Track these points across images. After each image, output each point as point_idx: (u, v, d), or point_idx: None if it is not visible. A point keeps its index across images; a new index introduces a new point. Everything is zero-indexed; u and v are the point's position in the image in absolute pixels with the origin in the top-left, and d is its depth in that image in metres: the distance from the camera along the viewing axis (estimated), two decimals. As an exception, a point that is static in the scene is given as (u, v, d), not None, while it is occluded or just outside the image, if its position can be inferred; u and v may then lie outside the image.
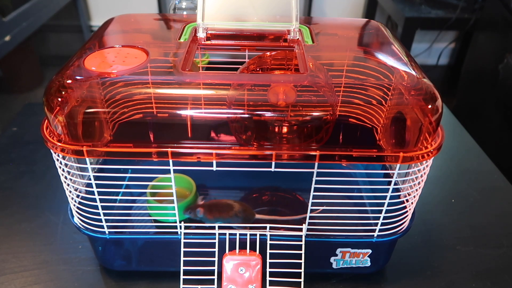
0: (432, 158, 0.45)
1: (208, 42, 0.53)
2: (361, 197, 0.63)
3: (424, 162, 0.45)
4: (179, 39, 0.52)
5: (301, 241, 0.49)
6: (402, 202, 0.49)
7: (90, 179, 0.45)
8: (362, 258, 0.53)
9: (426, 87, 0.44)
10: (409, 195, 0.50)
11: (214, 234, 0.49)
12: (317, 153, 0.43)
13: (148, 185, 0.60)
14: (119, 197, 0.57)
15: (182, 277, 0.49)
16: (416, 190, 0.49)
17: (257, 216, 0.55)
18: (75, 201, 0.49)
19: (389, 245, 0.54)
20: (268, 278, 0.49)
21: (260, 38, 0.54)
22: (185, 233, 0.49)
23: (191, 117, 0.43)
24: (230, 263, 0.48)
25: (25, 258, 0.57)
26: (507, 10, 1.38)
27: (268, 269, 0.49)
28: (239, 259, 0.48)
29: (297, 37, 0.52)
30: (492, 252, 0.61)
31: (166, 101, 0.43)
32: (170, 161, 0.44)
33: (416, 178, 0.48)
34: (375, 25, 0.58)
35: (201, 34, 0.52)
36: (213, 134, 0.45)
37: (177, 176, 0.60)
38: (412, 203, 0.50)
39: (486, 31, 1.55)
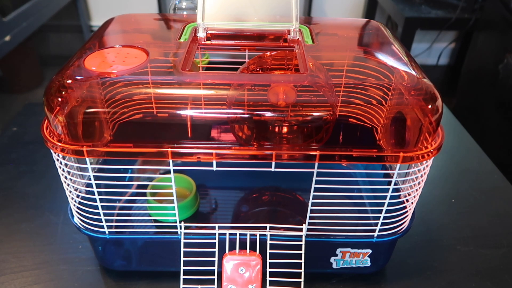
0: (432, 158, 0.45)
1: (208, 42, 0.53)
2: (361, 197, 0.63)
3: (424, 162, 0.45)
4: (179, 39, 0.52)
5: (301, 241, 0.49)
6: (402, 202, 0.49)
7: (90, 179, 0.45)
8: (362, 258, 0.53)
9: (426, 87, 0.44)
10: (409, 195, 0.50)
11: (214, 234, 0.49)
12: (317, 153, 0.43)
13: (148, 185, 0.60)
14: (119, 197, 0.57)
15: (182, 277, 0.49)
16: (416, 190, 0.49)
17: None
18: (75, 201, 0.49)
19: (389, 245, 0.54)
20: (268, 278, 0.49)
21: (260, 38, 0.54)
22: (185, 233, 0.49)
23: (191, 117, 0.43)
24: (230, 263, 0.48)
25: (25, 258, 0.57)
26: (507, 10, 1.38)
27: (268, 269, 0.49)
28: (239, 259, 0.48)
29: (297, 37, 0.52)
30: (492, 252, 0.61)
31: (166, 101, 0.43)
32: (170, 161, 0.44)
33: (416, 178, 0.48)
34: (375, 25, 0.58)
35: (201, 34, 0.52)
36: (213, 134, 0.45)
37: (177, 176, 0.60)
38: (412, 203, 0.50)
39: (486, 31, 1.56)
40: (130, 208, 0.60)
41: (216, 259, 0.49)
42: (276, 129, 0.44)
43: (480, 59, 1.58)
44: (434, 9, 1.77)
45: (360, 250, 0.52)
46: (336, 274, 0.56)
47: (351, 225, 0.50)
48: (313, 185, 0.46)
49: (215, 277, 0.49)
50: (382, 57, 0.50)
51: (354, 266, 0.54)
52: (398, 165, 0.44)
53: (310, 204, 0.47)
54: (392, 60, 0.48)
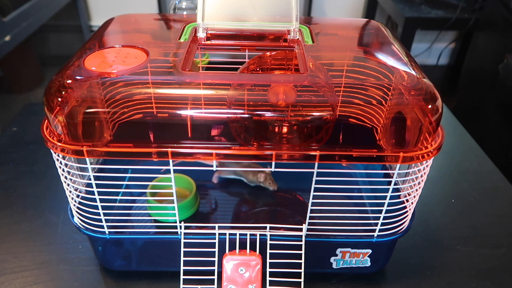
0: (432, 158, 0.45)
1: (208, 42, 0.53)
2: (361, 197, 0.63)
3: (424, 162, 0.45)
4: (179, 39, 0.52)
5: (301, 241, 0.49)
6: (402, 202, 0.49)
7: (90, 179, 0.45)
8: (362, 258, 0.53)
9: (426, 87, 0.44)
10: (409, 195, 0.50)
11: (214, 234, 0.49)
12: (317, 153, 0.43)
13: (148, 185, 0.60)
14: (119, 197, 0.57)
15: (182, 277, 0.49)
16: (416, 190, 0.49)
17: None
18: (75, 201, 0.49)
19: (389, 245, 0.54)
20: (268, 278, 0.49)
21: (260, 38, 0.53)
22: (185, 233, 0.49)
23: (191, 117, 0.43)
24: (230, 263, 0.48)
25: (25, 258, 0.57)
26: (507, 10, 1.38)
27: (268, 269, 0.49)
28: (239, 259, 0.48)
29: (297, 37, 0.52)
30: (492, 252, 0.61)
31: (166, 101, 0.43)
32: (170, 161, 0.44)
33: (416, 178, 0.48)
34: (375, 25, 0.58)
35: (201, 34, 0.52)
36: (213, 134, 0.45)
37: (177, 176, 0.60)
38: (412, 203, 0.50)
39: (486, 31, 1.55)
40: (130, 208, 0.60)
41: (216, 259, 0.49)
42: (276, 129, 0.44)
43: (480, 59, 1.58)
44: (434, 9, 1.77)
45: (360, 250, 0.52)
46: (336, 274, 0.56)
47: (351, 225, 0.50)
48: (313, 185, 0.46)
49: (215, 277, 0.49)
50: (382, 57, 0.50)
51: (354, 266, 0.54)
52: (398, 165, 0.44)
53: (310, 204, 0.47)
54: (392, 60, 0.48)
